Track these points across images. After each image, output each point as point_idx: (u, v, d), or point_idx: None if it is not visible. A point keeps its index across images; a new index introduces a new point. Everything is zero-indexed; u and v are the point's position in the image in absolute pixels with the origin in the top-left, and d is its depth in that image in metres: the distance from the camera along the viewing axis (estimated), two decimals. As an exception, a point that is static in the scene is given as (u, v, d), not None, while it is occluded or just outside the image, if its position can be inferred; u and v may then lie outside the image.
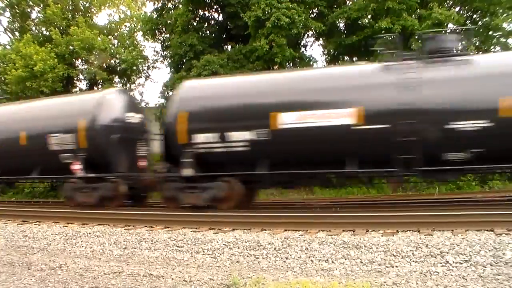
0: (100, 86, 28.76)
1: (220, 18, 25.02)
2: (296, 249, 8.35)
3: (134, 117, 15.30)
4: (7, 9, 31.65)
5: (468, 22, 21.10)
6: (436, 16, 18.51)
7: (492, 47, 20.69)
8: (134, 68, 29.00)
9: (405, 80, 11.09)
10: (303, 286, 6.44)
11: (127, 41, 30.33)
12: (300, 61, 22.79)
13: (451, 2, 22.14)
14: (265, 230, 9.78)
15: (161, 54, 28.95)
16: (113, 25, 31.33)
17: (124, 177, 14.49)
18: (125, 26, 31.90)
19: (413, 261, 7.36)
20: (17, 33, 31.97)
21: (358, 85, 11.78)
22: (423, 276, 6.86)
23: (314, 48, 73.65)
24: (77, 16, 29.55)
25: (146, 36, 27.76)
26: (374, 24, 20.17)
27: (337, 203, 14.63)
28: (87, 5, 31.27)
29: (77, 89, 30.04)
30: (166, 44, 26.50)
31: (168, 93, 23.89)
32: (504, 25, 20.49)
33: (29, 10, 31.32)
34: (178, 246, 9.33)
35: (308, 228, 9.53)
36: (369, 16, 21.31)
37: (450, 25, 20.78)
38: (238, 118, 12.42)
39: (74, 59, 28.47)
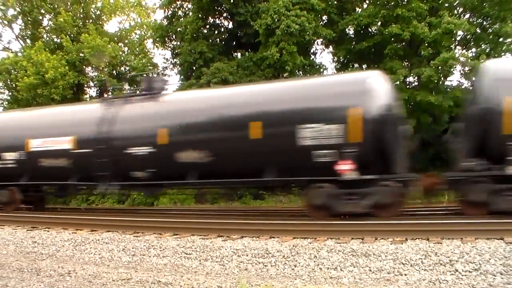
0: (110, 93, 28.95)
1: (230, 26, 25.11)
2: (305, 257, 8.33)
3: None
4: (19, 17, 31.95)
5: (478, 29, 21.00)
6: (445, 26, 18.47)
7: (503, 54, 20.58)
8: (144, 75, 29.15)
9: (105, 116, 14.76)
10: (311, 294, 6.43)
11: (137, 49, 30.52)
12: (310, 68, 22.78)
13: (460, 9, 22.08)
14: (273, 237, 9.77)
15: (171, 61, 29.10)
16: (123, 32, 31.54)
17: None
18: (135, 33, 32.12)
19: (422, 269, 7.32)
20: (28, 41, 32.26)
21: (72, 120, 15.74)
22: (432, 285, 6.82)
23: (323, 56, 73.81)
24: (87, 23, 29.81)
25: (156, 44, 27.91)
26: (383, 30, 20.17)
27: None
28: (98, 13, 31.56)
29: (87, 96, 30.26)
30: (176, 51, 26.62)
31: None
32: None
33: (40, 17, 31.61)
34: (186, 253, 9.34)
35: (317, 236, 9.52)
36: (379, 23, 21.31)
37: (460, 32, 20.77)
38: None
39: (84, 66, 28.68)
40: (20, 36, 33.05)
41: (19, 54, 31.05)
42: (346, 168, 11.04)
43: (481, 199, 10.71)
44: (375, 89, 11.43)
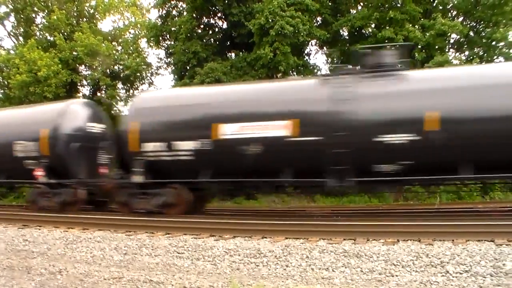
0: (103, 91, 28.86)
1: (225, 26, 25.09)
2: (297, 257, 8.35)
3: None
4: (12, 14, 31.78)
5: (471, 32, 21.11)
6: (439, 27, 18.54)
7: (495, 57, 20.70)
8: (138, 74, 29.09)
9: None
10: (303, 294, 6.44)
11: (131, 48, 30.44)
12: (304, 69, 22.81)
13: (454, 13, 22.18)
14: (265, 237, 9.77)
15: (164, 61, 29.06)
16: (117, 31, 31.44)
17: None
18: (129, 32, 32.03)
19: (414, 270, 7.35)
20: (21, 38, 32.11)
21: None
22: (423, 286, 6.85)
23: (317, 57, 73.93)
24: (81, 22, 29.70)
25: (150, 43, 27.86)
26: (377, 33, 20.22)
27: (338, 211, 14.63)
28: (92, 11, 31.44)
29: (80, 94, 30.12)
30: (170, 51, 26.58)
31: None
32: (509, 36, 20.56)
33: (33, 15, 31.48)
34: (178, 253, 9.33)
35: (309, 236, 9.53)
36: (373, 25, 21.37)
37: (454, 36, 20.89)
38: None
39: (77, 65, 28.57)
40: (12, 34, 32.93)
41: (12, 51, 30.89)
42: (40, 174, 15.29)
43: (124, 201, 13.84)
44: (66, 115, 15.52)
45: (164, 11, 26.04)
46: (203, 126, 12.47)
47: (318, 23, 23.30)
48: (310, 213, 15.16)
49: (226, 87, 15.66)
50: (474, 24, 21.69)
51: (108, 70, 28.40)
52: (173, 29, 25.22)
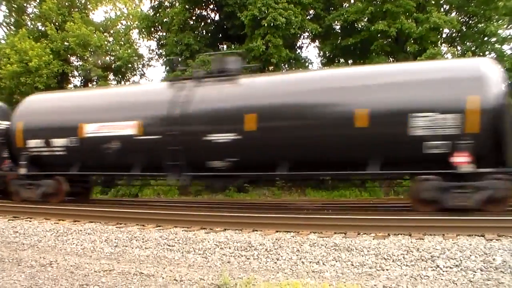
0: (95, 83, 28.69)
1: (217, 17, 25.00)
2: (287, 251, 8.35)
3: None
4: (3, 3, 31.52)
5: (463, 27, 21.15)
6: (434, 20, 18.55)
7: (487, 52, 20.73)
8: (129, 65, 28.92)
9: None
10: (293, 288, 6.44)
11: (123, 39, 30.26)
12: (296, 62, 22.79)
13: (447, 7, 22.20)
14: (256, 230, 9.77)
15: (156, 52, 28.91)
16: (109, 22, 31.23)
17: None
18: (121, 23, 31.83)
19: (404, 264, 7.38)
20: (12, 28, 31.83)
21: None
22: (413, 280, 6.88)
23: (309, 50, 73.89)
24: (73, 12, 29.46)
25: (142, 34, 27.69)
26: (370, 27, 20.20)
27: (329, 205, 14.63)
28: (84, 1, 31.20)
29: (71, 85, 29.94)
30: (162, 42, 26.43)
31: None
32: (499, 31, 20.61)
33: (25, 4, 31.19)
34: (169, 245, 9.32)
35: (300, 229, 9.54)
36: (366, 19, 21.34)
37: (446, 30, 20.92)
38: None
39: (69, 55, 28.38)
40: (3, 23, 32.64)
41: (2, 41, 30.62)
42: None
43: (15, 190, 15.68)
44: None
45: (157, 2, 25.88)
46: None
47: (311, 16, 23.26)
48: (301, 207, 15.17)
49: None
50: (467, 19, 21.73)
51: (99, 61, 28.21)
52: (165, 20, 25.06)
